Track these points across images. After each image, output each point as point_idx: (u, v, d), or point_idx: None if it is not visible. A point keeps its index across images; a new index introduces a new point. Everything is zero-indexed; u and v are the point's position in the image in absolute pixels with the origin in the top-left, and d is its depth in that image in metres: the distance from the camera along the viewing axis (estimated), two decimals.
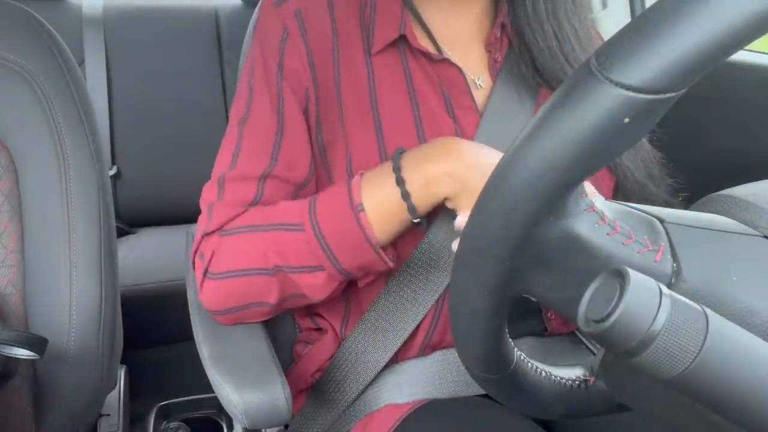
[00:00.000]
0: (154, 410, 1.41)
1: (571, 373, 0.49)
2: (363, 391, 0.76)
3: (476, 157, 0.65)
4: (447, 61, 0.74)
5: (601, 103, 0.31)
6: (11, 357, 0.72)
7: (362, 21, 0.75)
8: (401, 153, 0.67)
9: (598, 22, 0.81)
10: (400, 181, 0.65)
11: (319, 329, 0.82)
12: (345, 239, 0.66)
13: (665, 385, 0.32)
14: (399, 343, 0.74)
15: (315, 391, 0.79)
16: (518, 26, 0.75)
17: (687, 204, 0.47)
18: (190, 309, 0.81)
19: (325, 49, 0.73)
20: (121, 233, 1.72)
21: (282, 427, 0.79)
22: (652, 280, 0.32)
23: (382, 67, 0.74)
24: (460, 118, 0.74)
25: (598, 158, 0.33)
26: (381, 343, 0.74)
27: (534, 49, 0.74)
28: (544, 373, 0.48)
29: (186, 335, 0.81)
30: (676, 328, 0.30)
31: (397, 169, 0.66)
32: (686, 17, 0.30)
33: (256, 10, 0.89)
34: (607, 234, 0.38)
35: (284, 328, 0.88)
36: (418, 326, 0.74)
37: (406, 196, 0.65)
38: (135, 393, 1.24)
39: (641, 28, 0.31)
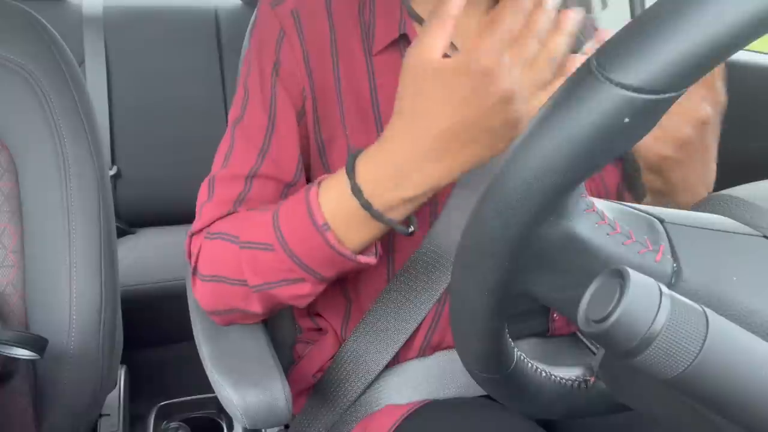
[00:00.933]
0: (154, 410, 1.41)
1: (571, 373, 0.49)
2: (363, 392, 0.76)
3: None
4: None
5: (601, 103, 0.31)
6: (11, 357, 0.72)
7: (362, 20, 0.75)
8: (357, 154, 0.62)
9: (598, 22, 0.81)
10: (356, 190, 0.60)
11: (319, 329, 0.82)
12: (318, 256, 0.64)
13: (665, 385, 0.32)
14: (400, 344, 0.74)
15: (315, 391, 0.79)
16: None
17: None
18: (190, 309, 0.81)
19: (322, 48, 0.73)
20: (121, 233, 1.72)
21: (282, 428, 0.79)
22: (652, 280, 0.32)
23: (383, 66, 0.74)
24: None
25: (598, 158, 0.33)
26: (382, 343, 0.74)
27: None
28: (544, 374, 0.48)
29: (186, 335, 0.81)
30: (676, 328, 0.30)
31: (351, 176, 0.60)
32: (686, 17, 0.30)
33: (256, 10, 0.89)
34: (608, 234, 0.38)
35: (284, 328, 0.88)
36: (418, 326, 0.74)
37: (366, 206, 0.60)
38: (135, 393, 1.24)
39: (641, 28, 0.31)
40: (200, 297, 0.74)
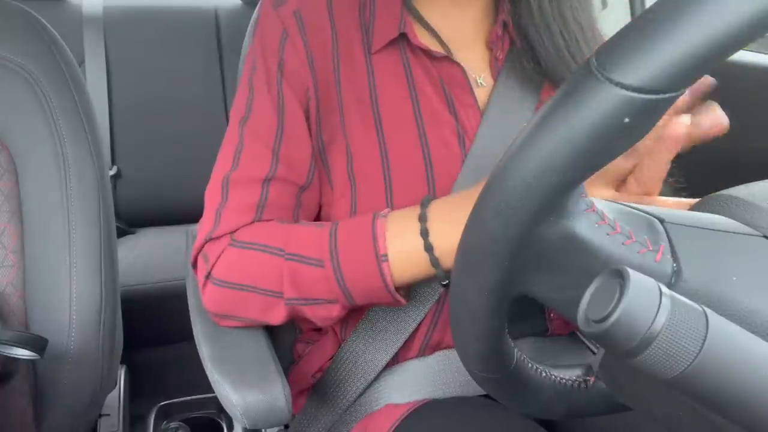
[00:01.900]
0: (154, 410, 1.41)
1: (571, 373, 0.49)
2: (363, 392, 0.76)
3: None
4: (448, 59, 0.74)
5: (601, 103, 0.31)
6: (11, 357, 0.72)
7: (362, 20, 0.75)
8: (430, 200, 0.66)
9: (597, 22, 0.81)
10: (424, 233, 0.64)
11: (319, 329, 0.82)
12: (364, 283, 0.66)
13: (665, 385, 0.32)
14: (399, 343, 0.74)
15: (315, 391, 0.79)
16: (522, 25, 0.74)
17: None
18: (190, 309, 0.81)
19: (324, 49, 0.73)
20: (121, 233, 1.72)
21: (282, 427, 0.79)
22: (652, 280, 0.32)
23: (383, 65, 0.74)
24: (462, 116, 0.74)
25: (598, 158, 0.33)
26: (381, 343, 0.74)
27: (539, 49, 0.73)
28: (544, 373, 0.48)
29: (186, 335, 0.81)
30: (676, 328, 0.30)
31: (423, 219, 0.64)
32: (686, 17, 0.30)
33: (256, 10, 0.89)
34: (607, 234, 0.38)
35: (285, 328, 0.88)
36: (418, 326, 0.74)
37: (429, 249, 0.64)
38: (135, 393, 1.24)
39: (641, 28, 0.31)
40: (211, 300, 0.73)
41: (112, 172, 1.73)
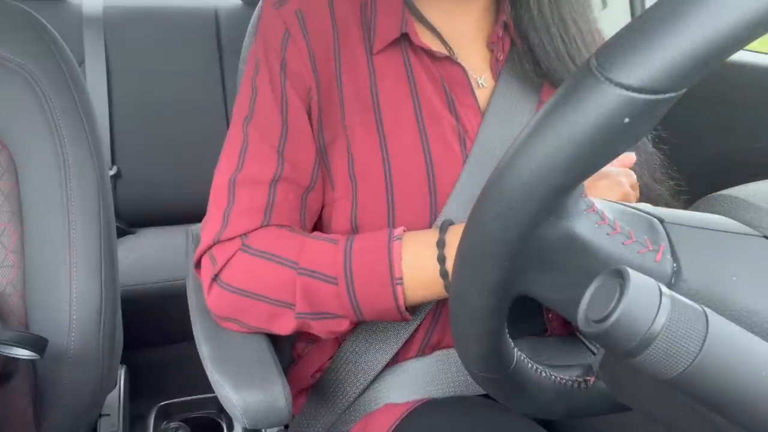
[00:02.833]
0: (154, 410, 1.41)
1: (571, 373, 0.49)
2: (363, 391, 0.76)
3: None
4: (449, 60, 0.74)
5: (601, 104, 0.31)
6: (11, 357, 0.72)
7: (363, 20, 0.75)
8: (449, 225, 0.66)
9: (598, 22, 0.81)
10: (441, 259, 0.64)
11: None
12: (376, 303, 0.67)
13: (665, 385, 0.32)
14: (399, 344, 0.74)
15: (315, 391, 0.79)
16: (523, 28, 0.75)
17: (687, 204, 0.47)
18: (190, 309, 0.81)
19: (326, 48, 0.73)
20: (121, 233, 1.72)
21: (282, 427, 0.79)
22: (652, 280, 0.32)
23: (384, 65, 0.74)
24: (462, 117, 0.74)
25: (598, 158, 0.33)
26: (381, 343, 0.74)
27: (539, 51, 0.74)
28: (544, 373, 0.48)
29: (186, 335, 0.81)
30: (676, 328, 0.30)
31: (441, 245, 0.65)
32: (686, 17, 0.30)
33: (256, 10, 0.89)
34: (607, 234, 0.38)
35: None
36: (418, 326, 0.74)
37: (444, 274, 0.64)
38: (135, 393, 1.24)
39: (641, 28, 0.31)
40: (215, 302, 0.73)
41: (112, 172, 1.73)
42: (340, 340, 0.78)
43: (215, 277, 0.71)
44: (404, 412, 0.73)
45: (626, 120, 0.31)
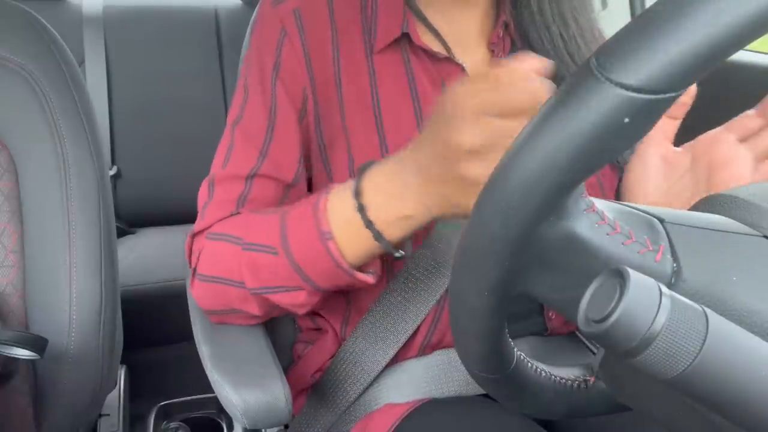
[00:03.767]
0: (154, 410, 1.41)
1: (571, 373, 0.49)
2: (363, 392, 0.76)
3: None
4: (449, 60, 0.74)
5: (601, 103, 0.31)
6: (11, 357, 0.72)
7: (363, 20, 0.75)
8: (366, 168, 0.62)
9: (598, 22, 0.81)
10: (360, 208, 0.61)
11: (319, 329, 0.82)
12: (318, 265, 0.64)
13: (665, 385, 0.32)
14: (400, 344, 0.74)
15: (315, 391, 0.79)
16: (523, 27, 0.75)
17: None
18: (190, 309, 0.81)
19: (324, 48, 0.73)
20: (121, 233, 1.72)
21: (282, 428, 0.79)
22: (652, 280, 0.32)
23: (384, 65, 0.74)
24: None
25: (598, 158, 0.33)
26: (381, 343, 0.74)
27: (539, 50, 0.73)
28: (544, 373, 0.48)
29: (186, 335, 0.81)
30: (676, 328, 0.30)
31: (356, 195, 0.61)
32: (686, 17, 0.30)
33: (256, 9, 0.89)
34: (607, 234, 0.38)
35: (284, 328, 0.88)
36: (418, 326, 0.74)
37: (369, 223, 0.61)
38: (135, 393, 1.24)
39: (641, 28, 0.31)
40: (197, 297, 0.74)
41: (112, 172, 1.73)
42: (340, 340, 0.78)
43: (194, 271, 0.73)
44: (404, 412, 0.73)
45: (626, 120, 0.31)
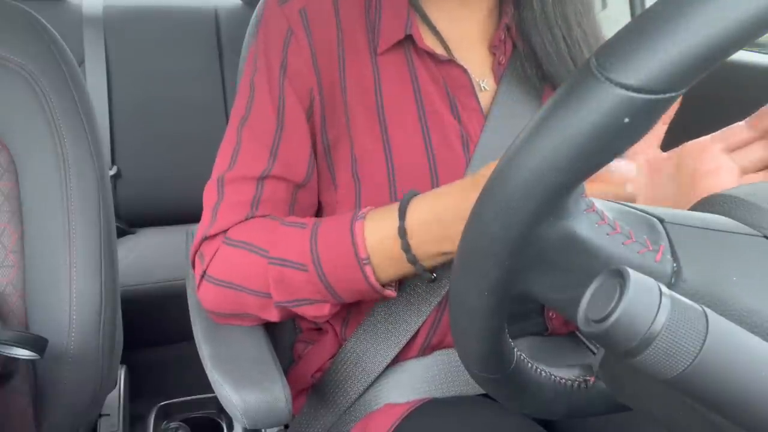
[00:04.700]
0: (154, 410, 1.41)
1: (571, 373, 0.49)
2: (363, 392, 0.76)
3: None
4: (452, 62, 0.74)
5: (601, 103, 0.31)
6: (11, 357, 0.72)
7: (368, 20, 0.75)
8: (411, 197, 0.64)
9: (598, 22, 0.81)
10: (402, 232, 0.63)
11: (319, 329, 0.82)
12: (349, 286, 0.66)
13: (665, 385, 0.32)
14: (401, 345, 0.74)
15: (315, 391, 0.79)
16: (525, 29, 0.74)
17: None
18: (190, 309, 0.81)
19: (330, 48, 0.73)
20: (121, 233, 1.72)
21: (282, 428, 0.79)
22: (652, 280, 0.32)
23: (388, 67, 0.74)
24: (465, 120, 0.74)
25: (598, 158, 0.33)
26: (382, 344, 0.74)
27: (541, 53, 0.73)
28: (544, 373, 0.48)
29: (186, 335, 0.81)
30: (676, 328, 0.30)
31: (401, 216, 0.63)
32: (686, 17, 0.30)
33: (257, 9, 0.89)
34: (607, 234, 0.38)
35: (284, 328, 0.88)
36: (419, 327, 0.74)
37: (406, 248, 0.63)
38: (135, 393, 1.24)
39: (641, 28, 0.31)
40: (205, 298, 0.74)
41: (112, 172, 1.73)
42: (340, 340, 0.78)
43: (204, 273, 0.72)
44: (404, 412, 0.73)
45: (626, 120, 0.31)
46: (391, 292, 0.68)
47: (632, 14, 1.49)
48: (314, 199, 0.76)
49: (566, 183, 0.34)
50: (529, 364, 0.48)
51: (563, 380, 0.49)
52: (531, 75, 0.75)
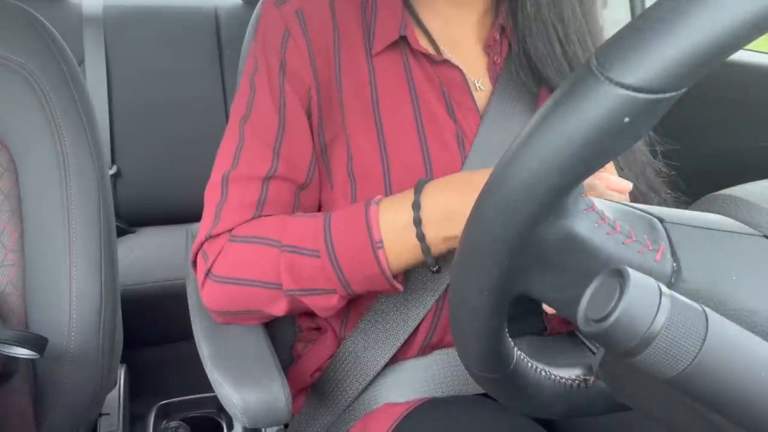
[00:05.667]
0: (154, 410, 1.41)
1: (571, 373, 0.49)
2: (363, 391, 0.76)
3: None
4: (448, 63, 0.74)
5: (601, 103, 0.31)
6: (11, 357, 0.72)
7: (364, 21, 0.75)
8: (424, 184, 0.65)
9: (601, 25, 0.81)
10: (417, 222, 0.64)
11: (318, 329, 0.82)
12: (361, 271, 0.66)
13: (665, 385, 0.32)
14: (399, 344, 0.74)
15: (315, 390, 0.79)
16: (520, 29, 0.74)
17: (687, 204, 0.47)
18: (190, 308, 0.81)
19: (326, 48, 0.73)
20: (121, 233, 1.72)
21: (281, 427, 0.79)
22: (652, 279, 0.32)
23: (383, 67, 0.74)
24: (461, 120, 0.74)
25: (597, 158, 0.33)
26: (381, 343, 0.74)
27: (535, 54, 0.73)
28: (544, 373, 0.48)
29: (186, 335, 0.81)
30: (676, 328, 0.30)
31: (416, 207, 0.64)
32: (686, 17, 0.30)
33: (257, 9, 0.89)
34: (607, 233, 0.38)
35: (284, 327, 0.88)
36: (418, 326, 0.74)
37: (421, 237, 0.64)
38: (135, 392, 1.24)
39: (641, 27, 0.31)
40: (209, 298, 0.73)
41: (112, 172, 1.73)
42: (339, 339, 0.79)
43: (207, 273, 0.72)
44: (404, 412, 0.73)
45: (626, 120, 0.31)
46: (399, 285, 0.68)
47: (632, 14, 1.49)
48: (316, 201, 0.76)
49: (566, 182, 0.34)
50: (529, 364, 0.48)
51: (563, 380, 0.49)
52: (526, 76, 0.75)
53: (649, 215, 0.40)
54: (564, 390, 0.49)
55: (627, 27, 0.32)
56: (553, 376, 0.49)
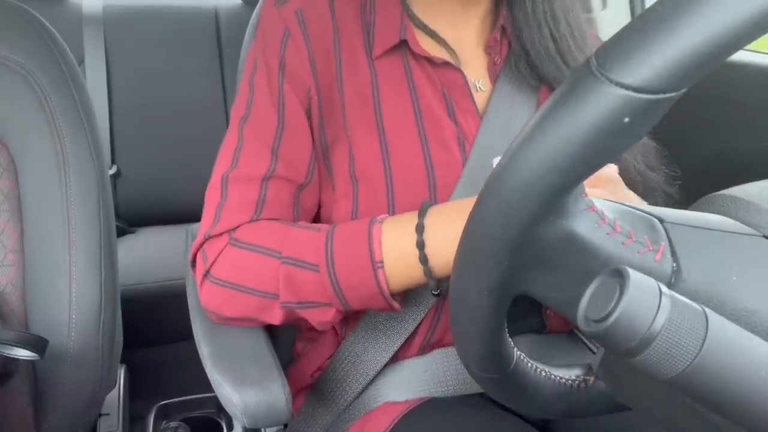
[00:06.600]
0: (154, 410, 1.41)
1: (571, 373, 0.49)
2: (362, 391, 0.76)
3: None
4: (448, 65, 0.74)
5: (601, 103, 0.31)
6: (11, 357, 0.72)
7: (363, 22, 0.75)
8: (428, 207, 0.65)
9: (598, 22, 0.81)
10: (420, 245, 0.63)
11: None
12: (359, 289, 0.66)
13: (665, 385, 0.32)
14: (399, 343, 0.74)
15: (314, 390, 0.79)
16: (517, 28, 0.75)
17: (687, 204, 0.47)
18: (189, 308, 0.81)
19: (326, 49, 0.73)
20: (121, 233, 1.72)
21: (281, 427, 0.79)
22: (652, 279, 0.32)
23: (384, 69, 0.74)
24: (461, 121, 0.74)
25: (597, 158, 0.33)
26: (381, 342, 0.74)
27: (531, 50, 0.74)
28: (543, 373, 0.48)
29: (186, 335, 0.81)
30: (676, 328, 0.30)
31: (419, 230, 0.64)
32: (686, 17, 0.30)
33: (256, 9, 0.89)
34: (607, 234, 0.38)
35: (284, 327, 0.88)
36: (418, 326, 0.74)
37: (424, 260, 0.64)
38: (135, 393, 1.24)
39: (641, 28, 0.31)
40: (207, 299, 0.73)
41: (112, 172, 1.73)
42: (339, 339, 0.79)
43: (206, 273, 0.72)
44: (403, 411, 0.73)
45: (626, 120, 0.31)
46: (397, 304, 0.67)
47: (632, 14, 1.49)
48: (315, 201, 0.76)
49: (566, 182, 0.34)
50: (529, 364, 0.48)
51: (563, 380, 0.49)
52: (525, 75, 0.75)
53: (649, 215, 0.40)
54: (564, 390, 0.49)
55: (627, 27, 0.32)
56: (552, 376, 0.49)
